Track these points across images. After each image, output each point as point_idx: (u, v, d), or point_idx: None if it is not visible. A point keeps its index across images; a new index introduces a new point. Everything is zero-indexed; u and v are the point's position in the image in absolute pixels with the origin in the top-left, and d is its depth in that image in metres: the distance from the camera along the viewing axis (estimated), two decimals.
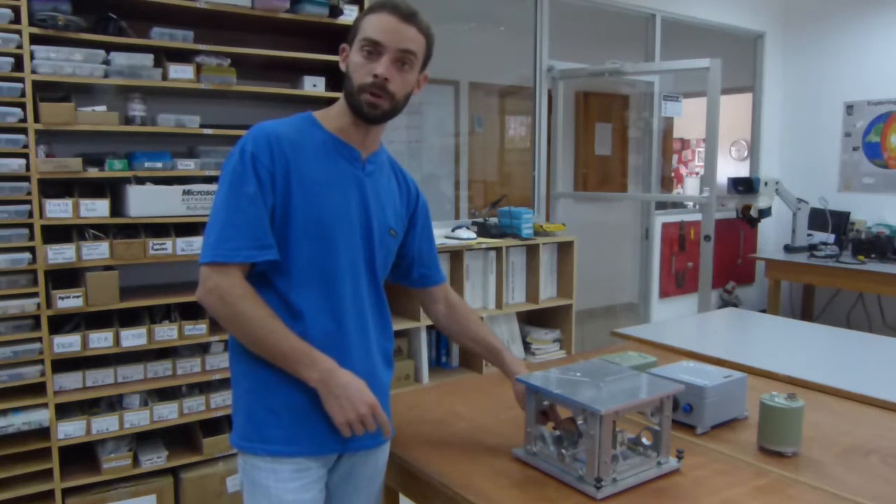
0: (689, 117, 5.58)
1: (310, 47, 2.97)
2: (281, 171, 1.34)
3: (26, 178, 2.40)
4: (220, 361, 2.81)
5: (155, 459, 2.70)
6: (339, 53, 1.45)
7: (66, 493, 2.55)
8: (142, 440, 2.77)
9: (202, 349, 2.81)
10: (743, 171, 6.46)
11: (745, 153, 6.78)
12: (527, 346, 3.90)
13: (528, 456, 1.43)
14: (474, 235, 3.64)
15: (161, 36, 2.61)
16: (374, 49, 1.36)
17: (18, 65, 2.37)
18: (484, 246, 3.58)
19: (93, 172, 2.53)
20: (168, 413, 2.70)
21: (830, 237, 5.15)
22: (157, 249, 2.62)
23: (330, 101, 3.17)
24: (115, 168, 2.56)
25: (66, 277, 2.61)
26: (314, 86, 2.93)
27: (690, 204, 5.54)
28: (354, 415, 1.32)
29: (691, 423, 1.59)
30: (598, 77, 4.48)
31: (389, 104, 1.39)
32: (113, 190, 2.63)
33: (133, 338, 2.60)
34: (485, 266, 3.65)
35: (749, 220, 5.17)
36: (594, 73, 4.47)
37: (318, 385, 1.32)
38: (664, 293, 5.28)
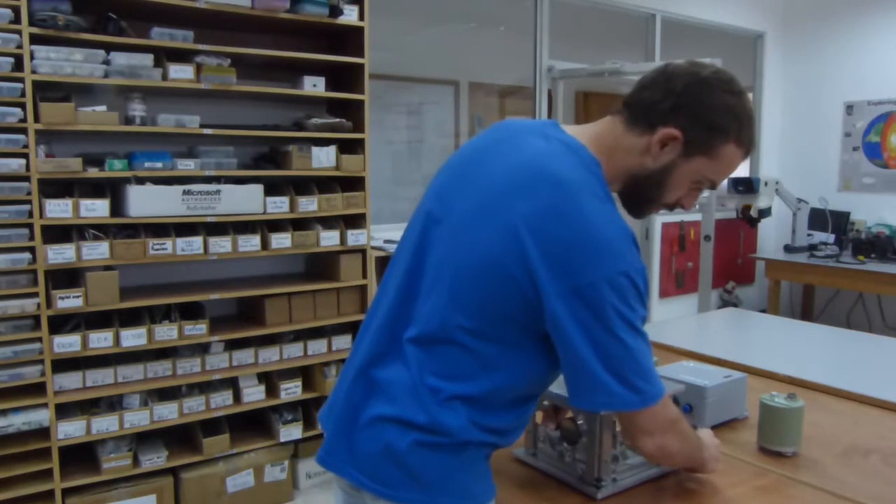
0: None
1: (310, 47, 2.97)
2: None
3: (26, 178, 2.40)
4: (219, 361, 2.81)
5: (155, 459, 2.70)
6: (664, 133, 1.22)
7: (66, 493, 2.55)
8: (142, 440, 2.77)
9: (202, 349, 2.81)
10: (743, 170, 6.46)
11: None
12: None
13: (529, 456, 1.42)
14: None
15: (161, 36, 2.61)
16: (704, 186, 1.24)
17: (18, 65, 2.37)
18: None
19: (93, 172, 2.53)
20: (168, 413, 2.70)
21: (830, 237, 5.15)
22: (157, 249, 2.62)
23: (330, 101, 3.21)
24: (115, 168, 2.56)
25: (66, 277, 2.61)
26: (314, 86, 2.93)
27: None
28: (719, 453, 1.35)
29: (692, 423, 1.59)
30: (598, 77, 4.47)
31: None
32: (113, 190, 2.63)
33: (133, 338, 2.60)
34: None
35: (749, 220, 5.16)
36: (594, 73, 4.46)
37: (709, 461, 1.31)
38: (664, 293, 5.28)
